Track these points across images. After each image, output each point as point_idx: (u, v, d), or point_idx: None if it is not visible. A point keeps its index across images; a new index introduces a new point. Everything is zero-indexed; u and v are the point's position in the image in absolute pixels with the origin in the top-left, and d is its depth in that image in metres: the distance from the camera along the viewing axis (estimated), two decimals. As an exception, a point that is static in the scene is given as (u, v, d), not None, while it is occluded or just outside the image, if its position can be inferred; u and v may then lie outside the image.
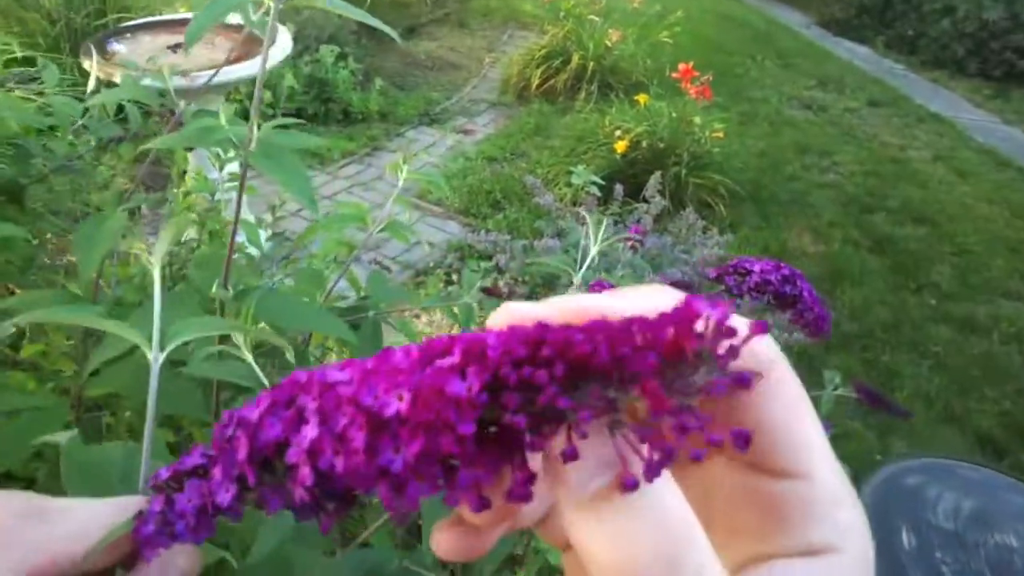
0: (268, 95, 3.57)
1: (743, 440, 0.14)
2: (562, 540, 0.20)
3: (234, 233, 0.72)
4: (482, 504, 0.16)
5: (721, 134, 3.23)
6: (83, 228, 0.74)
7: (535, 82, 4.33)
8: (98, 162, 0.93)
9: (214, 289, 0.69)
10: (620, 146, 3.08)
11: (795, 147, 3.99)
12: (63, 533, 0.20)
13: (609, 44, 4.36)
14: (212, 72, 0.97)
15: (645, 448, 0.14)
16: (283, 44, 2.07)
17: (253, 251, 1.33)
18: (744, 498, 0.17)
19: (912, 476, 0.84)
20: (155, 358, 0.34)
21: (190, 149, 1.10)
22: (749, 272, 0.70)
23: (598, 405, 0.14)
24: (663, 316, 0.14)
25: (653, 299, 0.16)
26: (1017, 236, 3.29)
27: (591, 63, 4.27)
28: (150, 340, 0.34)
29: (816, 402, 1.10)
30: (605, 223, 0.73)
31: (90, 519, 0.20)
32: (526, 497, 0.15)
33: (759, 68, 5.28)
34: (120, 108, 1.11)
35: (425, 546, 0.63)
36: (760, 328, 0.14)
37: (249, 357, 0.48)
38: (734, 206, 3.19)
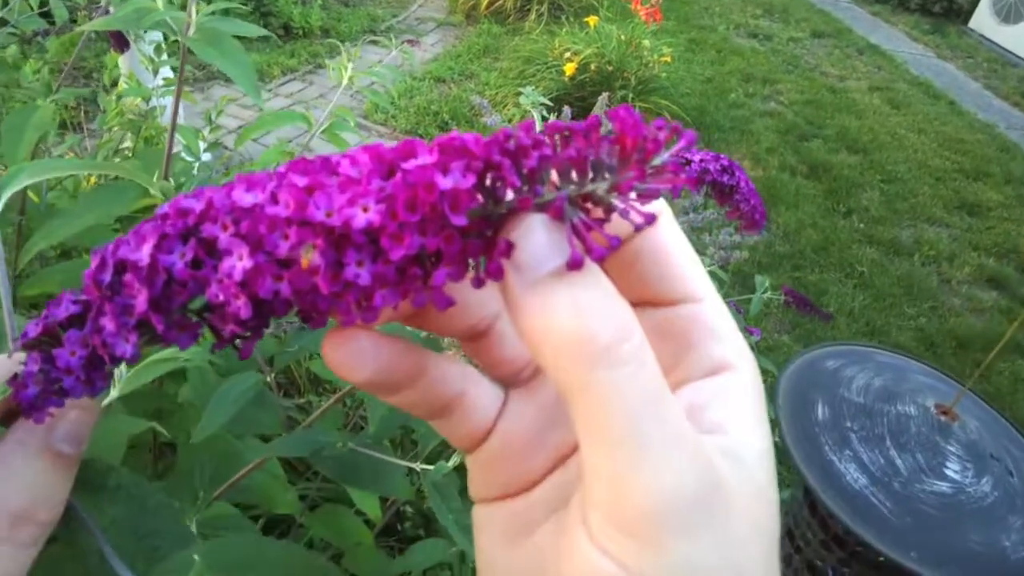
0: (204, 6, 3.38)
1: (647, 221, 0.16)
2: (495, 355, 0.21)
3: (171, 134, 0.71)
4: (449, 302, 0.16)
5: (668, 59, 3.23)
6: (9, 119, 0.72)
7: (484, 1, 4.21)
8: (24, 57, 0.89)
9: (154, 180, 0.69)
10: (569, 68, 3.06)
11: (740, 75, 4.02)
12: None
13: (559, -37, 4.26)
14: (142, -38, 0.93)
15: (592, 235, 0.16)
16: (216, -54, 1.96)
17: (189, 159, 1.31)
18: (656, 336, 0.18)
19: (832, 360, 0.92)
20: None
21: (122, 51, 1.06)
22: (689, 162, 0.72)
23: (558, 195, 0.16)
24: (622, 127, 0.16)
25: None
26: (942, 165, 3.44)
27: (540, -17, 4.17)
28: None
29: (746, 304, 1.16)
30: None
31: None
32: (500, 274, 0.16)
33: (709, -5, 5.24)
34: (43, 2, 1.06)
35: (371, 429, 0.66)
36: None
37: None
38: (678, 132, 3.22)
